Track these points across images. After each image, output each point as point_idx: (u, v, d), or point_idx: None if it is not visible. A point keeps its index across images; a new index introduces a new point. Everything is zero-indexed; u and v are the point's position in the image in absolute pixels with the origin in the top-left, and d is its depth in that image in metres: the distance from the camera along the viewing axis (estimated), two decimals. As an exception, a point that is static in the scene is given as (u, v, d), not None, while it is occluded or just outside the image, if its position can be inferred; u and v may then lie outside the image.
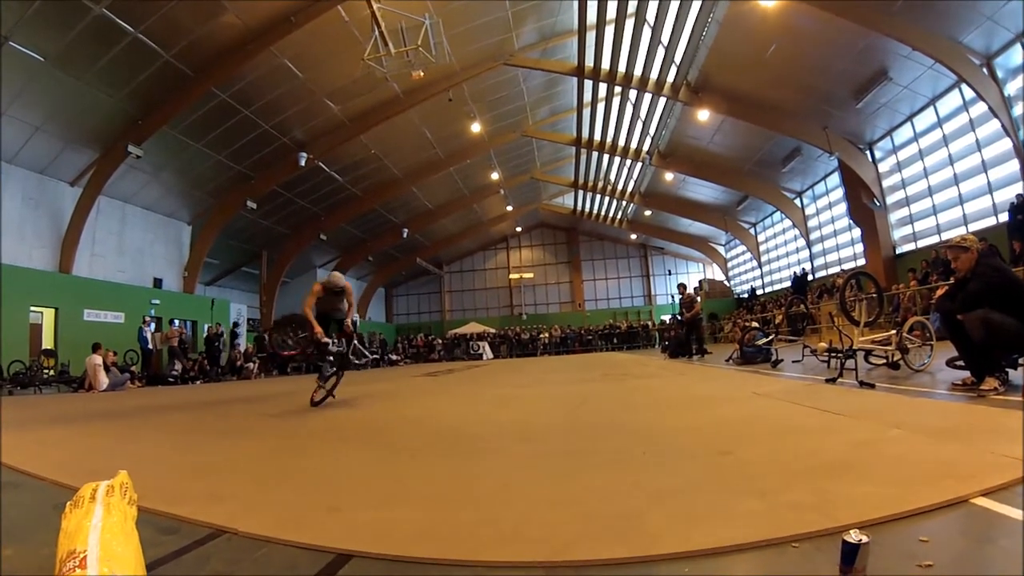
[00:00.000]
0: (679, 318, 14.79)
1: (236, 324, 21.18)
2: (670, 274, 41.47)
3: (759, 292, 30.87)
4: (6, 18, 11.95)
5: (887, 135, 18.65)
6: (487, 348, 34.03)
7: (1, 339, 13.81)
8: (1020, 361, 4.52)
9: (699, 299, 15.45)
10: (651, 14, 17.10)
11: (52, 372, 15.14)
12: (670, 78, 19.89)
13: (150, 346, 17.40)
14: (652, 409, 5.09)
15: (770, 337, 10.36)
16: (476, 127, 22.55)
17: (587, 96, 22.66)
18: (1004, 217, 14.26)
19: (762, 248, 31.20)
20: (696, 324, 14.63)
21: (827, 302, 17.94)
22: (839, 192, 22.10)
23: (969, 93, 14.83)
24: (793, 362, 8.97)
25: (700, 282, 36.02)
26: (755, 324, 12.79)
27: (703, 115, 20.62)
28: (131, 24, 13.41)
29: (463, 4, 16.79)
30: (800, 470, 2.33)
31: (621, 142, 25.75)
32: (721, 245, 36.68)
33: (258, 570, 1.63)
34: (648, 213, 34.07)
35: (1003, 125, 13.92)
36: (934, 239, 17.16)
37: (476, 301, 43.32)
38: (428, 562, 1.63)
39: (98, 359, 13.67)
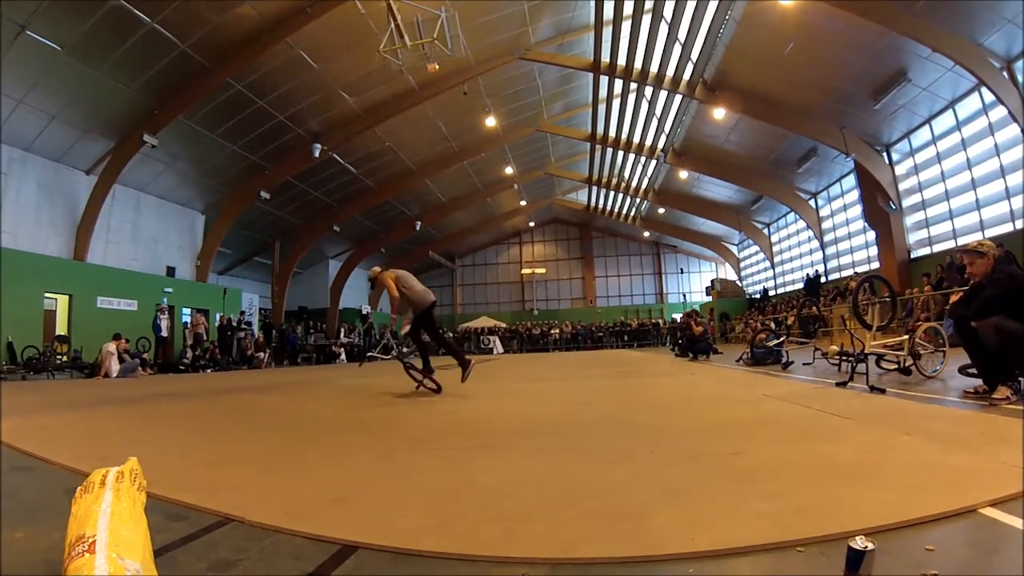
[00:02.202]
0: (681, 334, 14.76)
1: (239, 318, 21.29)
2: (682, 272, 41.41)
3: (771, 293, 30.71)
4: (24, 7, 12.07)
5: (905, 137, 18.44)
6: (498, 343, 34.18)
7: (1, 322, 13.98)
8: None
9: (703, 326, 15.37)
10: (668, 11, 16.96)
11: (65, 358, 15.31)
12: (686, 75, 19.79)
13: (164, 334, 17.59)
14: (661, 408, 5.08)
15: (781, 339, 10.31)
16: (491, 121, 22.49)
17: (603, 92, 22.55)
18: (1021, 223, 14.10)
19: (775, 249, 31.03)
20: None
21: (840, 305, 17.78)
22: (855, 194, 21.90)
23: (989, 96, 14.67)
24: (804, 364, 8.93)
25: (712, 281, 35.89)
26: (772, 325, 12.73)
27: (719, 113, 20.51)
28: (147, 14, 13.51)
29: (480, -2, 16.73)
30: (807, 474, 2.32)
31: (636, 139, 25.63)
32: (734, 244, 36.50)
33: (265, 559, 1.64)
34: (662, 211, 33.97)
35: (1022, 130, 13.71)
36: (950, 244, 16.99)
37: (488, 295, 43.43)
38: (433, 556, 1.63)
39: (113, 347, 13.87)
